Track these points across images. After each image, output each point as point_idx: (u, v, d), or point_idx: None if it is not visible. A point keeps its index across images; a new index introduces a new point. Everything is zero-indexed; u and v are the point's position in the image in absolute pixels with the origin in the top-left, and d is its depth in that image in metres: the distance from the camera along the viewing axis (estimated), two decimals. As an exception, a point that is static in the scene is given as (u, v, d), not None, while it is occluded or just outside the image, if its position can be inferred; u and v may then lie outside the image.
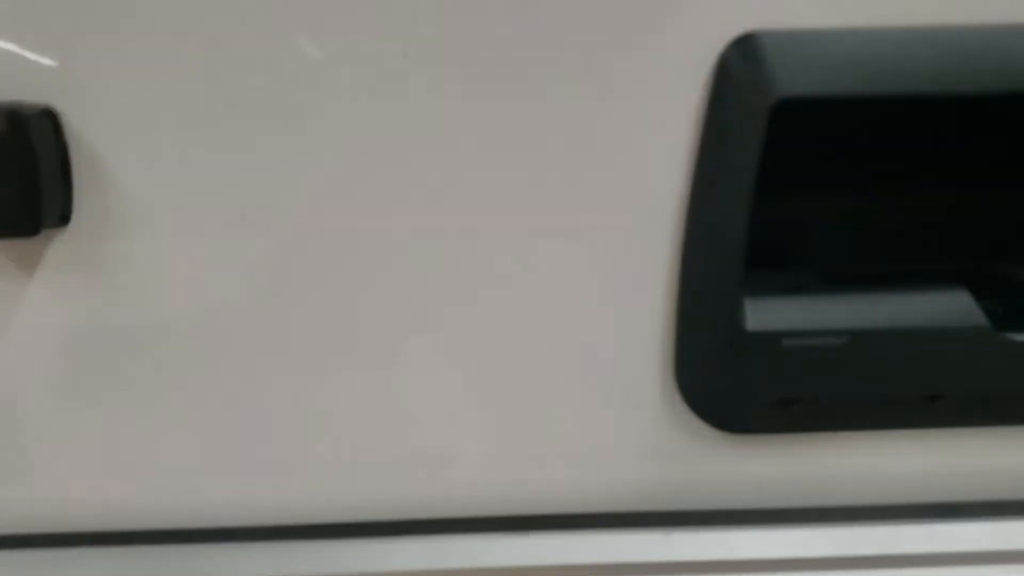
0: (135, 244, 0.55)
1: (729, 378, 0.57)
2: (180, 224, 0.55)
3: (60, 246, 0.55)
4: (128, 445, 0.58)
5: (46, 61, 0.53)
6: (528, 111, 0.53)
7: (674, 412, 0.58)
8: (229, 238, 0.55)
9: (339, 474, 0.59)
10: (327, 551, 0.58)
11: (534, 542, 0.57)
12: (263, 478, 0.59)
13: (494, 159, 0.54)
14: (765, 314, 0.55)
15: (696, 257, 0.55)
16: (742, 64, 0.53)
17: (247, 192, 0.54)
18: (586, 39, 0.53)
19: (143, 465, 0.58)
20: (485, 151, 0.54)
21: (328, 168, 0.54)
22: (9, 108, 0.51)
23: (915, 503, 0.61)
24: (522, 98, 0.53)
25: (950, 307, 0.56)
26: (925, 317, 0.56)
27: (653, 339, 0.57)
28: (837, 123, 0.56)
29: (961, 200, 0.62)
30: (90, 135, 0.54)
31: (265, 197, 0.54)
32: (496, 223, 0.55)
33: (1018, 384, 0.57)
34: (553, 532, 0.57)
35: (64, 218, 0.54)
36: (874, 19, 0.52)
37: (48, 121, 0.53)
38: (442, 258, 0.55)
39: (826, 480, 0.60)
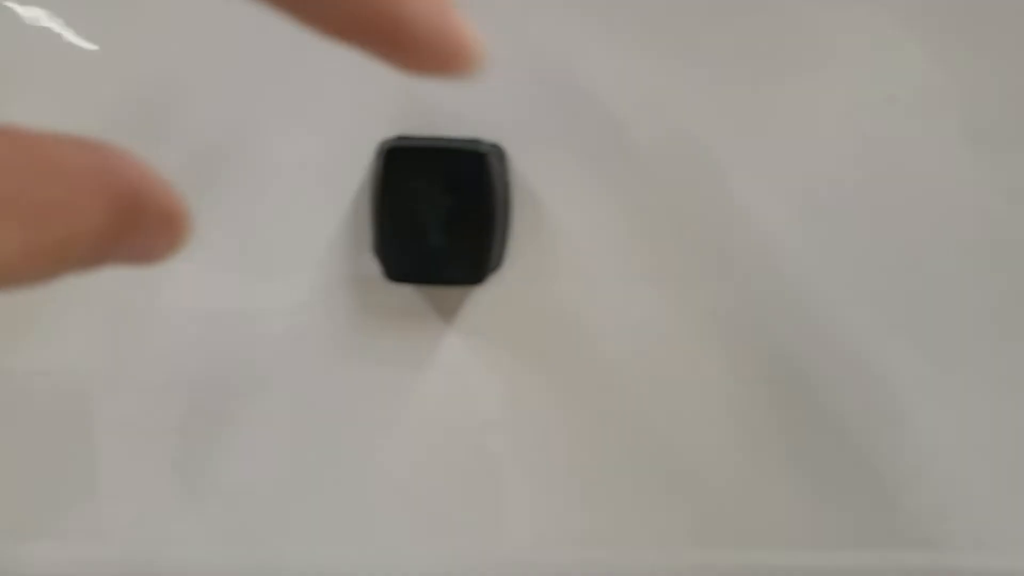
0: (565, 294, 0.50)
1: None
2: (616, 273, 0.50)
3: (484, 294, 0.50)
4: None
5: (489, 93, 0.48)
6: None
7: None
8: (676, 290, 0.50)
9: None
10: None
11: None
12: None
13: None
14: None
15: None
16: None
17: (697, 242, 0.50)
18: None
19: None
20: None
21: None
22: (471, 147, 0.47)
23: None
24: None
25: None
26: None
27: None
28: None
29: None
30: (531, 174, 0.49)
31: (714, 246, 0.50)
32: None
33: None
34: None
35: (498, 263, 0.50)
36: None
37: (500, 160, 0.48)
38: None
39: None
